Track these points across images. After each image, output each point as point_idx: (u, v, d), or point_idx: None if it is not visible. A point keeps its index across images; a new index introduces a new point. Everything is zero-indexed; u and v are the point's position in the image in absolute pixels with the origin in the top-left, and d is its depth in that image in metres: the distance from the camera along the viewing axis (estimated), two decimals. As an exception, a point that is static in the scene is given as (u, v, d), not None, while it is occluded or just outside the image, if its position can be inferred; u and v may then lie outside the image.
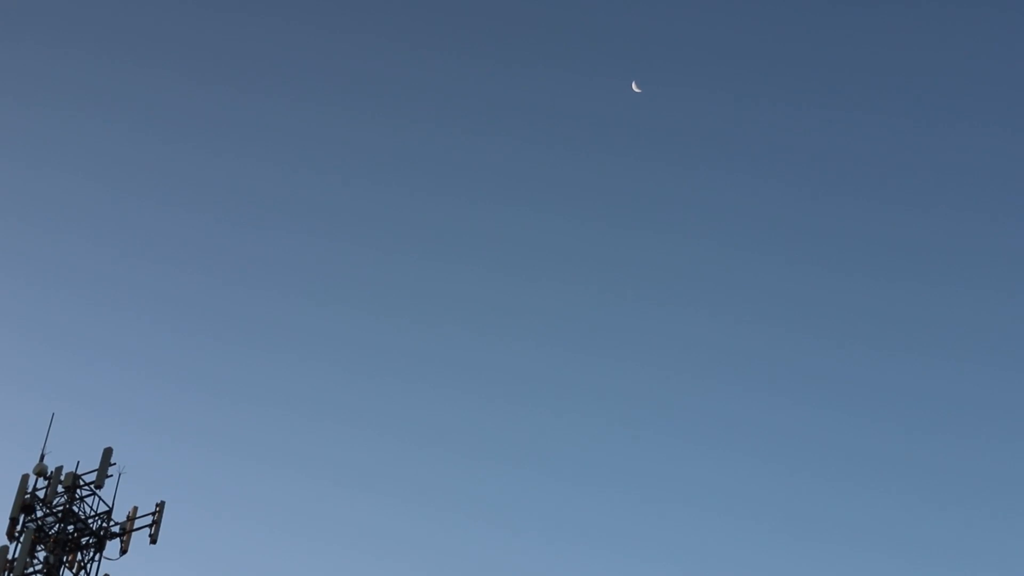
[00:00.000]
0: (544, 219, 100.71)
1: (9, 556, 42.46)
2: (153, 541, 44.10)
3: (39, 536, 43.35)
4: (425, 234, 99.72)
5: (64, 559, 43.24)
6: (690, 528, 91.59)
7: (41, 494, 43.82)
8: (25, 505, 43.46)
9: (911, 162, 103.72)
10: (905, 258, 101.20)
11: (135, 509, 44.64)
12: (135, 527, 44.26)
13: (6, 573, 42.25)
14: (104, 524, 44.02)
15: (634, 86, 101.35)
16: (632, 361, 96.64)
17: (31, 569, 42.69)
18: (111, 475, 44.74)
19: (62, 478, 44.30)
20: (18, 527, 43.29)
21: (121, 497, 44.67)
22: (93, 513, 44.00)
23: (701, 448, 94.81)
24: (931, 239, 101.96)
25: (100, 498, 44.25)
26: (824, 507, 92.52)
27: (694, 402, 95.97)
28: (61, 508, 43.77)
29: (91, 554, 43.68)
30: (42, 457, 44.72)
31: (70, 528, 43.80)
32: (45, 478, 44.12)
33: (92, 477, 44.47)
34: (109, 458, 44.97)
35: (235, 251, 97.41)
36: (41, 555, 43.29)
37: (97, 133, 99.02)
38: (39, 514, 43.67)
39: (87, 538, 43.85)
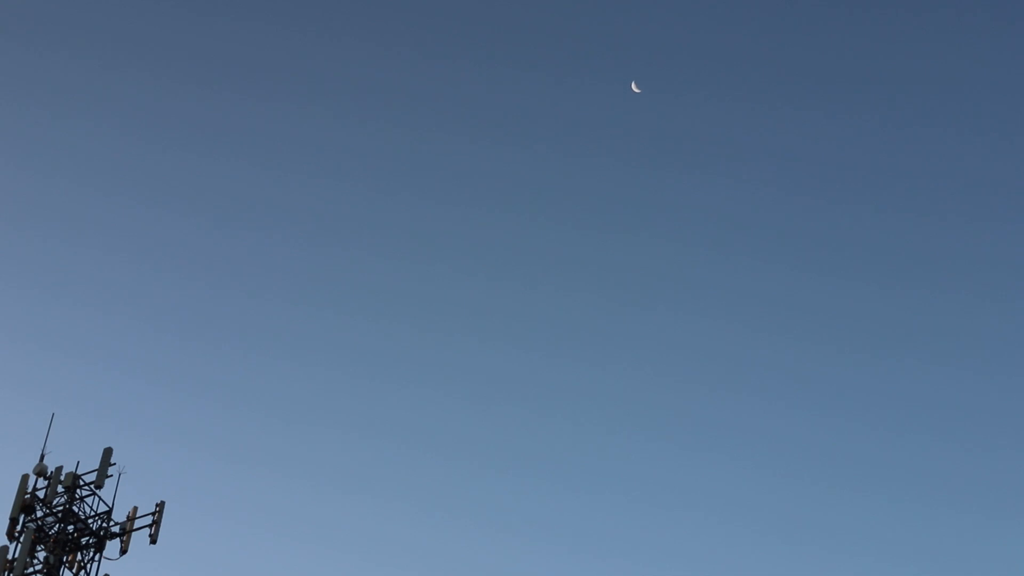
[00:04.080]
0: (545, 224, 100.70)
1: (9, 556, 42.45)
2: (153, 541, 44.09)
3: (39, 536, 43.34)
4: (426, 239, 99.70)
5: (64, 559, 43.23)
6: (692, 533, 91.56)
7: (41, 494, 43.85)
8: (25, 505, 43.45)
9: (912, 168, 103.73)
10: (904, 264, 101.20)
11: (135, 509, 44.64)
12: (135, 527, 44.26)
13: (6, 573, 42.25)
14: (104, 524, 44.03)
15: (633, 86, 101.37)
16: (633, 367, 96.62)
17: (31, 569, 42.69)
18: (111, 475, 44.75)
19: (62, 478, 44.29)
20: (18, 527, 43.28)
21: (121, 497, 44.71)
22: (93, 513, 44.00)
23: (703, 454, 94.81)
24: (929, 245, 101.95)
25: (100, 498, 44.27)
26: (824, 512, 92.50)
27: (696, 408, 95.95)
28: (61, 508, 43.77)
29: (91, 554, 43.67)
30: (42, 457, 44.73)
31: (70, 528, 43.80)
32: (45, 478, 44.12)
33: (92, 477, 44.50)
34: (109, 458, 44.97)
35: (233, 255, 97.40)
36: (41, 555, 43.32)
37: (97, 137, 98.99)
38: (39, 514, 43.68)
39: (87, 538, 43.84)
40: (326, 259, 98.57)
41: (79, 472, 44.49)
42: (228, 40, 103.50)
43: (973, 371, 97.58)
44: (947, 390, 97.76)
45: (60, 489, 44.16)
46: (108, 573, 43.49)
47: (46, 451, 44.81)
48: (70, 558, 43.47)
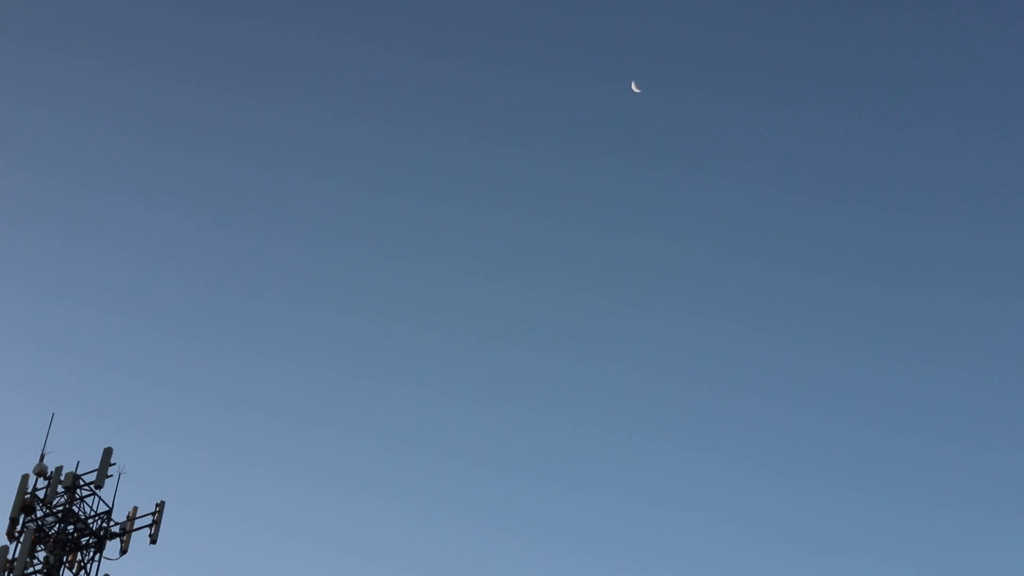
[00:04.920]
0: (545, 224, 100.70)
1: (9, 556, 42.44)
2: (153, 541, 44.09)
3: (39, 536, 43.33)
4: (426, 239, 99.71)
5: (64, 559, 43.22)
6: (692, 533, 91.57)
7: (41, 494, 43.84)
8: (25, 505, 43.45)
9: (912, 168, 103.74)
10: (904, 264, 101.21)
11: (135, 509, 44.63)
12: (135, 527, 44.26)
13: (6, 573, 42.24)
14: (104, 524, 44.02)
15: (633, 86, 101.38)
16: (633, 367, 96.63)
17: (31, 569, 42.68)
18: (111, 475, 44.74)
19: (62, 478, 44.28)
20: (18, 527, 43.28)
21: (121, 497, 44.71)
22: (93, 513, 43.99)
23: (703, 454, 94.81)
24: (929, 245, 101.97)
25: (100, 498, 44.27)
26: (824, 512, 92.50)
27: (696, 408, 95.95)
28: (61, 508, 43.77)
29: (91, 554, 43.67)
30: (42, 457, 44.72)
31: (70, 528, 43.80)
32: (45, 478, 44.11)
33: (92, 477, 44.50)
34: (109, 458, 44.97)
35: (233, 255, 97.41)
36: (41, 555, 43.32)
37: (97, 137, 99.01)
38: (39, 514, 43.68)
39: (87, 538, 43.84)
40: (326, 259, 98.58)
41: (79, 472, 44.52)
42: (228, 40, 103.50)
43: (973, 371, 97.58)
44: (947, 390, 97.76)
45: (60, 489, 44.16)
46: (108, 573, 43.51)
47: (46, 451, 44.84)
48: (70, 558, 43.47)
